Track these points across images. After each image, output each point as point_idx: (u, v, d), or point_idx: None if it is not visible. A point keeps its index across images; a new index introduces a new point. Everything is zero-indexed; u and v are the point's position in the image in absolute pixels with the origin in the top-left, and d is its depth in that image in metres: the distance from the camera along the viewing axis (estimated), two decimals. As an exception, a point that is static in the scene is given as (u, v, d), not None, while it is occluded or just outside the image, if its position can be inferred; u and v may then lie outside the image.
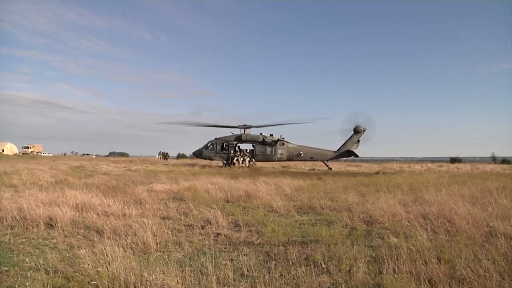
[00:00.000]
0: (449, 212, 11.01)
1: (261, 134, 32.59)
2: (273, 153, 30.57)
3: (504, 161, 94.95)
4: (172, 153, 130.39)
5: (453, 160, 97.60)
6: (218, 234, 9.80)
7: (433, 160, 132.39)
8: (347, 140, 32.27)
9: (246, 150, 34.24)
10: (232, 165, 33.99)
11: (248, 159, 31.07)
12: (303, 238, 9.28)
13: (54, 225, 10.24)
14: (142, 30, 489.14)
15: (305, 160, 32.06)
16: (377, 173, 40.74)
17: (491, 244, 7.97)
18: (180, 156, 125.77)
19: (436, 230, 9.60)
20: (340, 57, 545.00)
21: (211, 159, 31.98)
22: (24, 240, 8.96)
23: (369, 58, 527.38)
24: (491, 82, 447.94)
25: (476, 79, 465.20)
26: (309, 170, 45.11)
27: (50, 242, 8.83)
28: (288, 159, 31.59)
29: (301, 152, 31.03)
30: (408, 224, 10.38)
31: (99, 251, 7.35)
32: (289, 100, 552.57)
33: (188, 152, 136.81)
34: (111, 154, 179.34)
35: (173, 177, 27.39)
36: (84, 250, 7.81)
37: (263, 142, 30.85)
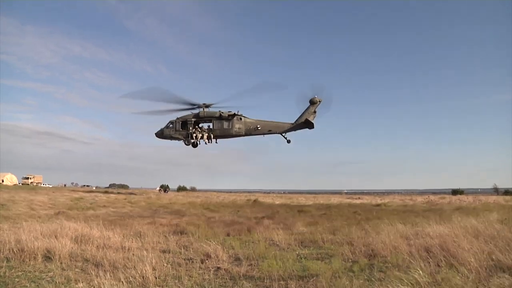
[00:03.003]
0: (452, 245, 10.85)
1: (219, 110, 32.94)
2: (230, 127, 31.10)
3: (507, 192, 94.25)
4: (173, 185, 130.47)
5: (455, 192, 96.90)
6: (218, 268, 9.65)
7: (434, 192, 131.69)
8: (304, 111, 32.52)
9: (205, 127, 34.43)
10: (191, 142, 33.91)
11: (207, 135, 31.33)
12: (304, 272, 9.13)
13: (52, 257, 10.11)
14: (144, 62, 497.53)
15: (263, 134, 32.12)
16: (377, 205, 40.52)
17: (496, 278, 7.82)
18: (181, 189, 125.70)
19: (439, 264, 9.44)
20: (339, 89, 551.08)
21: (172, 138, 32.25)
22: (20, 273, 8.82)
23: (370, 88, 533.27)
24: (492, 112, 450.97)
25: (477, 110, 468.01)
26: (311, 203, 44.92)
27: (47, 275, 8.69)
28: (246, 134, 31.84)
29: (258, 126, 31.39)
30: (411, 257, 10.23)
31: (96, 285, 7.23)
32: None
33: (188, 185, 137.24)
34: (111, 186, 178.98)
35: (173, 211, 27.22)
36: (81, 284, 7.69)
37: (220, 117, 31.48)
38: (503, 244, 11.25)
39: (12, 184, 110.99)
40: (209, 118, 33.26)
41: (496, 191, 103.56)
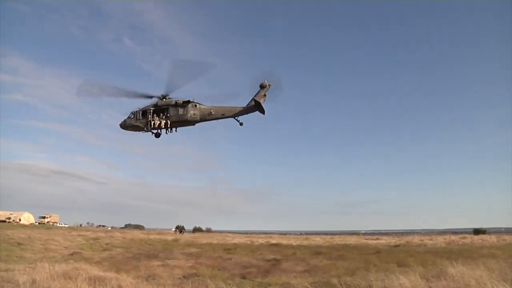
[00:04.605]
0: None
1: (175, 99, 34.63)
2: (185, 113, 32.60)
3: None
4: (188, 226, 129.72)
5: (477, 231, 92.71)
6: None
7: (455, 232, 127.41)
8: (254, 95, 33.43)
9: (163, 115, 36.16)
10: (154, 132, 35.83)
11: (164, 122, 32.82)
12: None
13: (67, 300, 9.99)
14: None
15: (217, 118, 33.49)
16: (396, 246, 39.54)
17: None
18: (196, 230, 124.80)
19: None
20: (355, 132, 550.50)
21: (133, 126, 33.66)
22: (35, 316, 8.72)
23: (385, 130, 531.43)
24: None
25: (498, 148, 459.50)
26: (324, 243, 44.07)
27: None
28: (201, 119, 33.32)
29: (212, 111, 32.78)
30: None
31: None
32: (293, 174, 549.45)
33: (204, 226, 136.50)
34: (127, 226, 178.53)
35: (189, 252, 26.99)
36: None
37: (176, 105, 33.09)
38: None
39: (29, 223, 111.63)
40: (166, 107, 35.49)
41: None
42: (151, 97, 34.18)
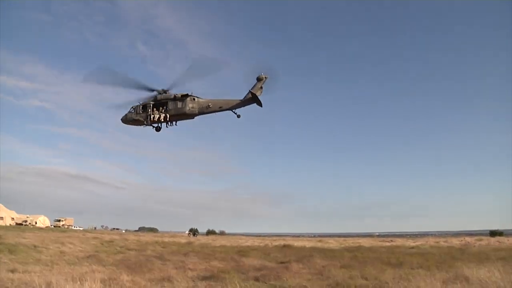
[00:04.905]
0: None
1: (174, 93, 35.21)
2: (184, 106, 33.00)
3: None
4: (202, 229, 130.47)
5: (494, 233, 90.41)
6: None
7: (471, 234, 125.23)
8: (251, 88, 33.63)
9: (162, 108, 36.83)
10: (154, 126, 36.40)
11: (164, 115, 33.32)
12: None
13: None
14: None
15: (215, 111, 33.83)
16: (411, 248, 39.08)
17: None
18: (210, 233, 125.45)
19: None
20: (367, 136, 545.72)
21: (134, 121, 34.16)
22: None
23: (399, 135, 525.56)
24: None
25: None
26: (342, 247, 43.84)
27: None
28: (200, 112, 33.79)
29: (210, 104, 33.12)
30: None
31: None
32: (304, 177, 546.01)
33: (218, 229, 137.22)
34: (141, 229, 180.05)
35: (203, 255, 27.03)
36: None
37: (174, 98, 33.59)
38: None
39: (44, 226, 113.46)
40: (165, 100, 36.15)
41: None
42: (153, 90, 35.08)
